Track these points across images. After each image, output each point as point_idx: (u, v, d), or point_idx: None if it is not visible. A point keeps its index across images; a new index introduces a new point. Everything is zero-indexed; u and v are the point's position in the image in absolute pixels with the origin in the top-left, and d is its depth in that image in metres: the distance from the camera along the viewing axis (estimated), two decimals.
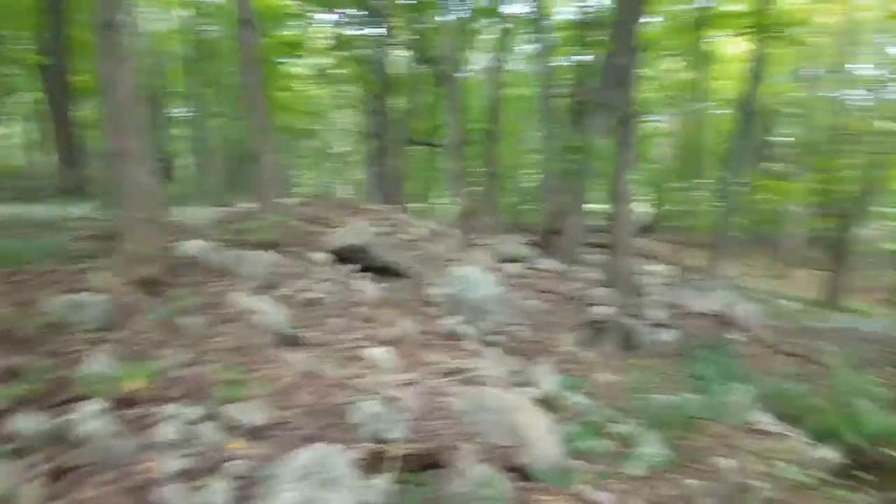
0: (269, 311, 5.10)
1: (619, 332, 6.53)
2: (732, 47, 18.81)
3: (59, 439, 2.72)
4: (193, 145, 18.93)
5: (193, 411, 3.23)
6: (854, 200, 17.73)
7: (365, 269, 7.25)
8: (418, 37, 17.31)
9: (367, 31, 18.48)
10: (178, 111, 19.81)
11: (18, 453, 2.56)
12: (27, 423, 2.72)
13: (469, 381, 4.74)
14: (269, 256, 6.36)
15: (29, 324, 3.55)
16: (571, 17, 17.19)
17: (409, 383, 4.53)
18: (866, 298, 18.84)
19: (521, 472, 3.36)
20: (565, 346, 6.34)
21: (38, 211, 6.47)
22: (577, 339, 6.67)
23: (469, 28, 17.73)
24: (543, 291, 8.63)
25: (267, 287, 5.82)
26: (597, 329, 6.83)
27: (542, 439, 3.55)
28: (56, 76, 10.06)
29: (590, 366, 5.87)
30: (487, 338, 6.10)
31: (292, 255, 6.92)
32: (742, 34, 14.67)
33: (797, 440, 4.53)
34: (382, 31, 17.76)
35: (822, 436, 4.62)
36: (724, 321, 8.09)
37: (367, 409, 3.72)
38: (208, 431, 3.09)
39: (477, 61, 21.37)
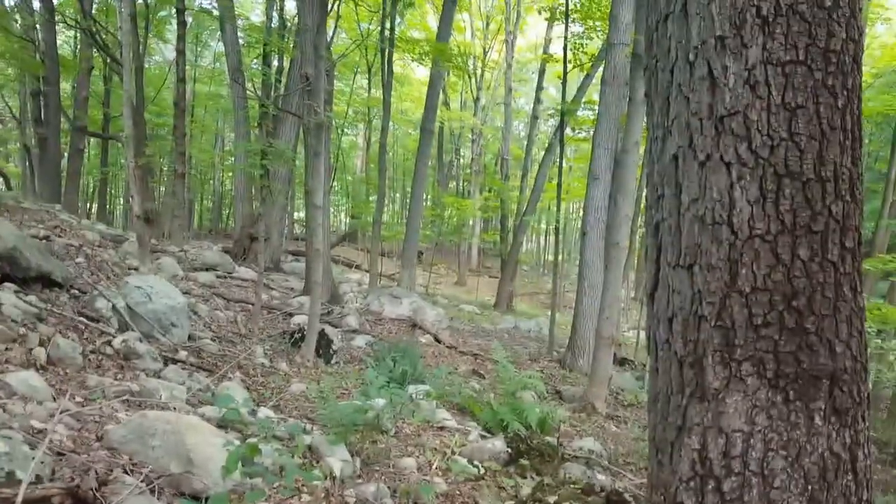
0: None
1: (315, 341, 6.49)
2: (420, 71, 20.50)
3: None
4: None
5: None
6: (517, 217, 20.63)
7: (12, 280, 6.04)
8: (91, 18, 15.24)
9: (30, 6, 15.71)
10: None
11: None
12: None
13: (138, 405, 4.22)
14: None
15: None
16: (259, 20, 17.02)
17: (65, 411, 3.84)
18: (530, 302, 22.11)
19: (193, 499, 3.05)
20: (258, 358, 6.08)
21: None
22: (272, 350, 6.45)
23: (150, 15, 16.25)
24: (237, 301, 8.21)
25: None
26: (293, 338, 6.71)
27: (218, 461, 3.26)
28: None
29: (283, 377, 5.70)
30: (167, 354, 5.55)
31: None
32: (421, 60, 15.94)
33: (474, 434, 4.99)
34: (48, 4, 15.22)
35: (494, 428, 5.16)
36: (413, 325, 8.64)
37: None
38: None
39: (161, 52, 19.72)
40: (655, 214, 1.63)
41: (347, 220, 22.72)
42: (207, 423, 3.64)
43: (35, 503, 2.44)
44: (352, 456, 3.88)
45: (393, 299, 9.45)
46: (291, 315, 7.71)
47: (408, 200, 16.22)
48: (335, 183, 20.30)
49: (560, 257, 14.34)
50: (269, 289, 9.42)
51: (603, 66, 9.69)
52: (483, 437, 4.95)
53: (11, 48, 16.09)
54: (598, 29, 11.98)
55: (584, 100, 14.48)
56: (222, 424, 3.89)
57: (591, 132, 10.68)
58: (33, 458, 2.67)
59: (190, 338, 6.17)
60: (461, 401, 5.79)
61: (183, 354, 5.70)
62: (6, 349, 4.95)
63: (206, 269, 9.84)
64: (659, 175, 1.61)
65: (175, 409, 4.10)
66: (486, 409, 5.45)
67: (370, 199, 19.57)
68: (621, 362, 9.60)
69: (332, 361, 6.54)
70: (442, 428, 5.01)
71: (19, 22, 16.26)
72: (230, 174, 21.95)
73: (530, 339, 11.11)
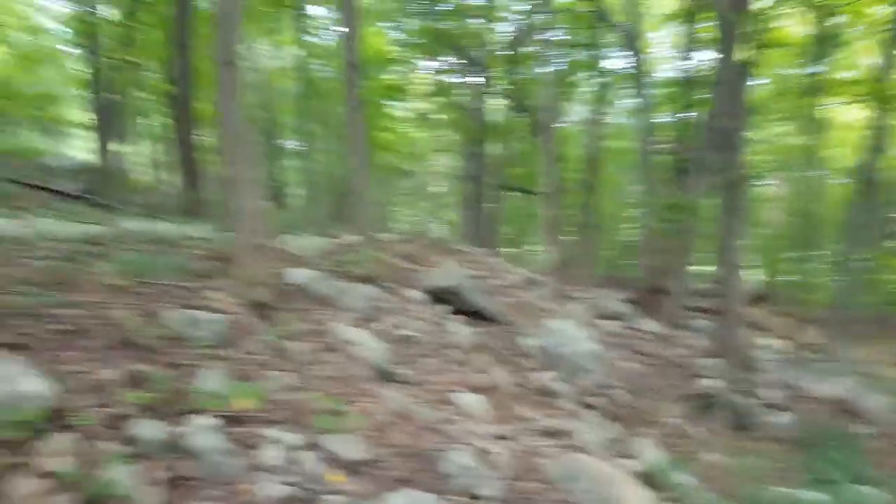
0: (367, 344, 5.13)
1: (729, 410, 6.09)
2: (849, 114, 17.87)
3: (175, 449, 2.77)
4: (302, 177, 19.80)
5: (295, 437, 3.24)
6: None
7: (457, 312, 7.21)
8: (515, 87, 17.58)
9: (466, 79, 19.03)
10: (289, 143, 20.91)
11: (137, 458, 2.62)
12: (147, 429, 2.79)
13: (564, 445, 4.54)
14: (367, 290, 6.45)
15: (151, 334, 3.70)
16: (673, 74, 17.03)
17: (502, 438, 4.39)
18: None
19: None
20: (669, 417, 5.97)
21: (162, 228, 6.86)
22: (681, 412, 6.28)
23: (567, 80, 17.83)
24: (644, 354, 8.26)
25: (365, 320, 5.88)
26: (704, 403, 6.41)
27: None
28: (181, 103, 10.85)
29: (696, 443, 5.49)
30: (584, 398, 5.86)
31: (389, 290, 6.99)
32: (857, 102, 13.89)
33: None
34: (481, 80, 18.21)
35: None
36: (847, 410, 7.40)
37: (459, 459, 3.61)
38: (308, 461, 3.08)
39: (575, 112, 21.42)
40: None
41: (760, 279, 20.85)
42: (629, 476, 3.74)
43: None
44: None
45: (818, 375, 8.27)
46: (698, 376, 7.39)
47: (837, 260, 14.08)
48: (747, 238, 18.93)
49: None
50: (674, 344, 9.22)
51: None
52: None
53: (454, 118, 19.68)
54: None
55: None
56: (645, 481, 3.91)
57: None
58: (491, 478, 3.08)
59: (600, 385, 6.42)
60: None
61: (594, 400, 5.95)
62: (460, 370, 5.91)
63: (611, 318, 10.15)
64: None
65: (595, 454, 4.30)
66: None
67: (790, 256, 17.70)
68: None
69: (747, 435, 6.03)
70: None
71: (456, 96, 19.77)
72: (634, 226, 22.51)
73: None
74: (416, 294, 7.12)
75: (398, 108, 21.97)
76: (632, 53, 14.82)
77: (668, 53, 18.97)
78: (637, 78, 14.81)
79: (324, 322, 5.33)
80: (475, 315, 7.35)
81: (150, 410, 3.00)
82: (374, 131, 16.70)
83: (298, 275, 6.04)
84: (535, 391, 5.68)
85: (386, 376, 4.86)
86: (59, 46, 20.49)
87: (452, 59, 18.22)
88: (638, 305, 11.47)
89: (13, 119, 22.04)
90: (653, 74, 16.61)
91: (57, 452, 2.47)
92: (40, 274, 4.26)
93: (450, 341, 6.32)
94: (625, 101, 20.07)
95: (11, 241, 5.07)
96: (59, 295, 3.93)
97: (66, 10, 18.20)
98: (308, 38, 18.82)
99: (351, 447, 3.35)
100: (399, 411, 4.29)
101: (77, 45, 17.42)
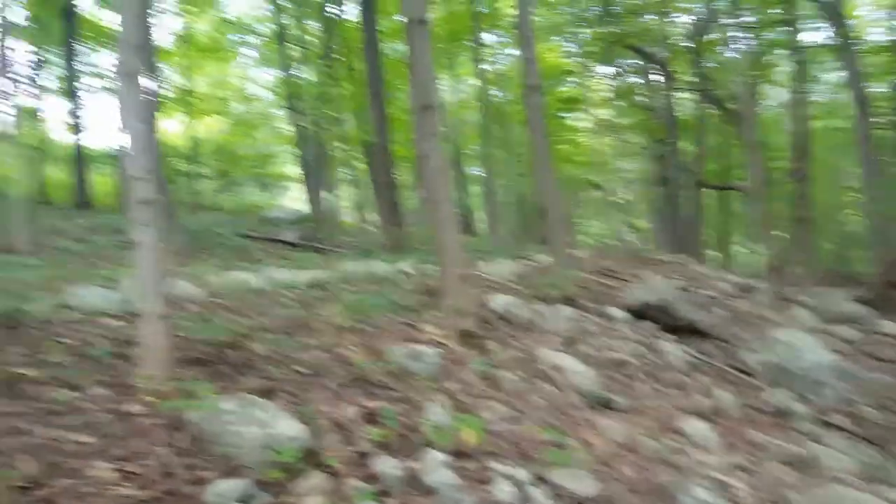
0: (575, 370, 5.05)
1: None
2: None
3: (413, 485, 2.94)
4: (485, 202, 20.35)
5: (521, 472, 3.27)
6: None
7: (666, 329, 6.84)
8: (704, 78, 16.44)
9: (648, 78, 18.22)
10: (472, 170, 21.66)
11: (382, 495, 2.82)
12: (386, 465, 2.99)
13: (811, 474, 4.07)
14: (568, 312, 6.37)
15: (380, 370, 3.99)
16: (885, 39, 14.88)
17: (738, 468, 4.05)
18: None
19: None
20: None
21: (374, 266, 7.44)
22: None
23: (761, 62, 16.28)
24: (888, 361, 7.20)
25: (569, 343, 5.81)
26: None
27: None
28: (379, 148, 11.73)
29: None
30: (824, 418, 5.23)
31: (589, 310, 6.85)
32: None
33: None
34: (664, 76, 17.32)
35: None
36: None
37: (698, 494, 3.39)
38: (540, 497, 3.08)
39: (773, 95, 19.47)
40: None
41: None
42: None
43: None
44: None
45: None
46: None
47: None
48: None
49: None
50: None
51: None
52: None
53: (639, 120, 18.91)
54: None
55: None
56: None
57: None
58: None
59: (842, 401, 5.69)
60: None
61: (839, 419, 5.29)
62: (671, 395, 5.58)
63: (843, 322, 9.00)
64: None
65: (851, 484, 3.81)
66: None
67: None
68: None
69: None
70: None
71: (638, 97, 18.96)
72: (857, 213, 19.88)
73: None
74: (618, 312, 6.90)
75: (577, 119, 21.80)
76: (834, 22, 13.24)
77: (878, 16, 16.73)
78: (843, 48, 13.18)
79: (529, 348, 5.35)
80: (687, 331, 6.93)
81: (386, 447, 3.21)
82: (555, 144, 16.71)
83: (498, 301, 6.16)
84: (767, 413, 5.19)
85: (601, 403, 4.75)
86: (270, 110, 23.28)
87: (631, 61, 17.63)
88: (872, 304, 10.04)
89: (236, 179, 25.40)
90: (861, 41, 14.68)
91: (312, 492, 2.73)
92: (279, 321, 4.82)
93: (663, 362, 6.03)
94: (831, 75, 17.97)
95: (253, 292, 5.81)
96: (296, 339, 4.41)
97: (272, 77, 20.73)
98: (485, 66, 19.44)
99: (580, 482, 3.30)
100: (623, 442, 4.15)
101: (283, 106, 19.73)
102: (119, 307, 4.68)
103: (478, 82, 19.44)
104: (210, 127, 24.00)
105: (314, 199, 16.09)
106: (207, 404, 2.85)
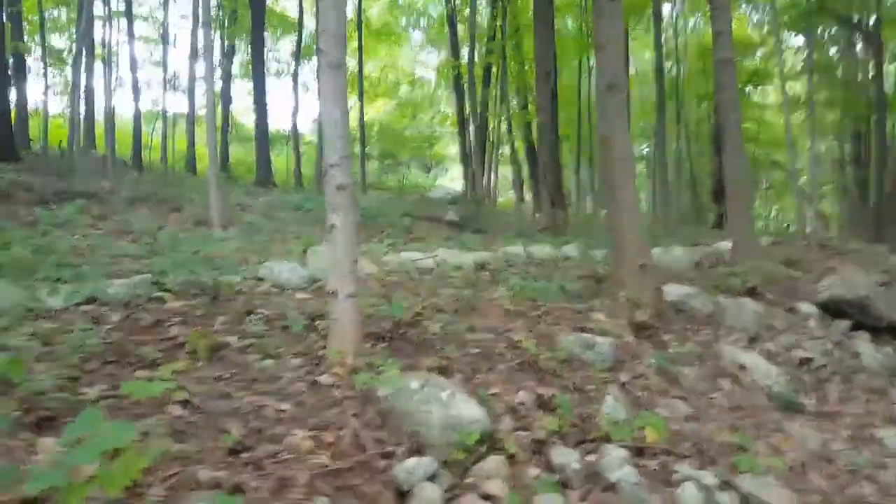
0: (761, 369, 4.67)
1: None
2: None
3: (592, 479, 2.85)
4: (657, 183, 19.35)
5: (706, 475, 3.06)
6: None
7: (860, 327, 6.12)
8: None
9: (852, 49, 16.23)
10: (641, 149, 20.77)
11: (561, 485, 2.76)
12: (563, 456, 2.93)
13: None
14: (751, 305, 5.89)
15: (551, 357, 3.93)
16: None
17: None
18: None
19: None
20: None
21: (537, 250, 7.35)
22: None
23: None
24: None
25: (753, 340, 5.37)
26: None
27: None
28: (546, 129, 11.51)
29: None
30: None
31: (773, 304, 6.29)
32: None
33: None
34: (869, 46, 15.30)
35: None
36: None
37: None
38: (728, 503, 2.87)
39: None
40: None
41: None
42: None
43: None
44: None
45: None
46: None
47: None
48: None
49: None
50: None
51: None
52: None
53: (836, 95, 16.92)
54: None
55: None
56: None
57: None
58: None
59: None
60: None
61: None
62: (867, 401, 4.98)
63: None
64: None
65: None
66: None
67: None
68: None
69: None
70: None
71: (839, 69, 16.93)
72: None
73: None
74: (808, 308, 6.28)
75: (764, 94, 20.12)
76: None
77: None
78: None
79: (707, 344, 5.03)
80: (889, 332, 6.16)
81: (562, 436, 3.15)
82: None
83: (674, 292, 5.82)
84: None
85: (789, 407, 4.34)
86: (434, 92, 23.92)
87: (834, 29, 15.83)
88: None
89: (401, 160, 26.47)
90: None
91: (492, 475, 2.73)
92: (449, 301, 4.91)
93: (858, 364, 5.41)
94: None
95: (423, 271, 5.98)
96: (466, 320, 4.46)
97: (439, 58, 21.24)
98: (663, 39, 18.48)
99: (772, 492, 3.02)
100: (815, 450, 3.77)
101: (448, 87, 20.18)
102: (306, 282, 5.04)
103: (652, 55, 18.50)
104: (377, 109, 25.12)
105: (473, 180, 16.28)
106: (395, 381, 2.95)
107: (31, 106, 18.86)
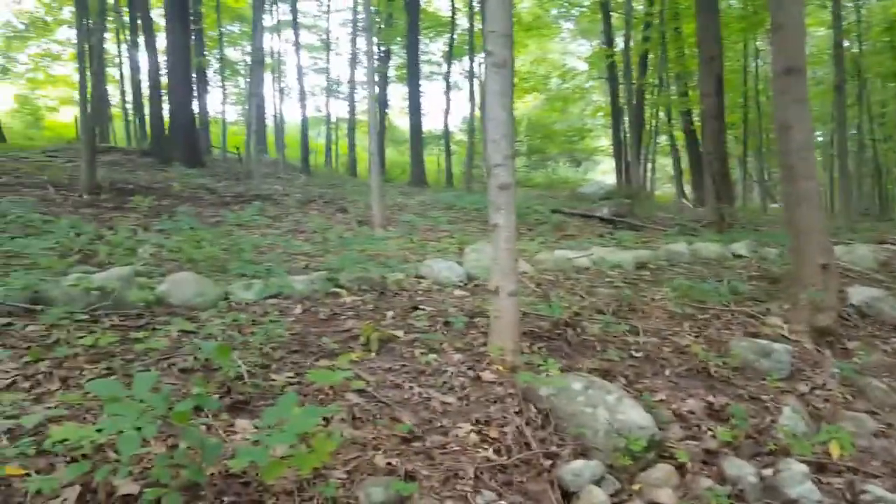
0: None
1: None
2: None
3: (769, 494, 2.68)
4: (837, 172, 17.43)
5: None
6: None
7: None
8: None
9: None
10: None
11: (734, 499, 2.62)
12: (735, 468, 2.78)
13: None
14: None
15: (721, 363, 3.72)
16: None
17: None
18: None
19: None
20: None
21: (701, 247, 6.95)
22: None
23: None
24: None
25: None
26: None
27: None
28: (711, 117, 10.79)
29: None
30: None
31: None
32: None
33: None
34: None
35: None
36: None
37: None
38: None
39: None
40: None
41: None
42: None
43: None
44: None
45: None
46: None
47: None
48: None
49: None
50: None
51: None
52: None
53: None
54: None
55: None
56: None
57: None
58: None
59: None
60: None
61: None
62: None
63: None
64: None
65: None
66: None
67: None
68: None
69: None
70: None
71: None
72: None
73: None
74: None
75: None
76: None
77: None
78: None
79: None
80: None
81: (735, 448, 2.98)
82: None
83: (858, 294, 5.26)
84: None
85: None
86: (585, 83, 23.38)
87: None
88: None
89: (549, 155, 26.20)
90: None
91: (661, 484, 2.65)
92: (607, 301, 4.80)
93: None
94: None
95: (578, 270, 5.90)
96: (626, 321, 4.34)
97: (590, 48, 20.73)
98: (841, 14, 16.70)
99: None
100: None
101: (600, 77, 19.65)
102: (463, 279, 5.18)
103: (828, 31, 16.73)
104: (525, 104, 25.07)
105: (627, 173, 15.73)
106: (557, 381, 2.96)
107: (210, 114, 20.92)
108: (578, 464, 2.51)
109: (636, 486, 2.62)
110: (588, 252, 6.36)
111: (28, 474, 1.98)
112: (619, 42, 17.25)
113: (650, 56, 17.74)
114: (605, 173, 25.00)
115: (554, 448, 2.70)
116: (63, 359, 2.94)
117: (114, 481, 1.97)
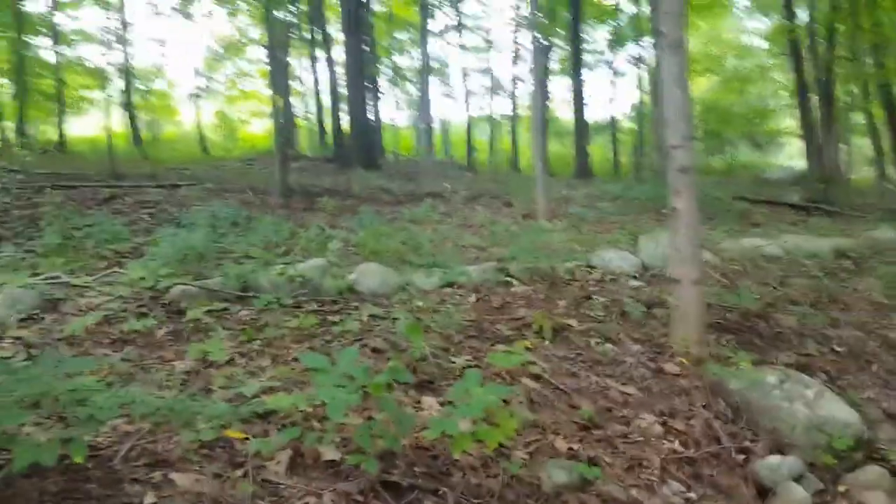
0: None
1: None
2: None
3: None
4: None
5: None
6: None
7: None
8: None
9: None
10: None
11: None
12: None
13: None
14: None
15: None
16: None
17: None
18: None
19: None
20: None
21: None
22: None
23: None
24: None
25: None
26: None
27: None
28: None
29: None
30: None
31: None
32: None
33: None
34: None
35: None
36: None
37: None
38: None
39: None
40: None
41: None
42: None
43: None
44: None
45: None
46: None
47: None
48: None
49: None
50: None
51: None
52: None
53: None
54: None
55: None
56: None
57: None
58: None
59: None
60: None
61: None
62: None
63: None
64: None
65: None
66: None
67: None
68: None
69: None
70: None
71: None
72: None
73: None
74: None
75: None
76: None
77: None
78: None
79: None
80: None
81: None
82: None
83: None
84: None
85: None
86: (765, 61, 21.42)
87: None
88: None
89: (728, 139, 24.32)
90: None
91: (871, 487, 2.40)
92: (803, 292, 4.40)
93: None
94: None
95: (769, 259, 5.46)
96: (826, 313, 3.95)
97: (769, 23, 18.96)
98: None
99: None
100: None
101: (781, 54, 17.86)
102: (638, 269, 5.02)
103: None
104: (699, 87, 23.54)
105: (818, 156, 14.19)
106: (748, 374, 2.78)
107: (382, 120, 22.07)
108: (775, 459, 2.35)
109: (842, 488, 2.40)
110: (777, 240, 5.86)
111: (247, 438, 2.24)
112: (802, 15, 15.56)
113: (840, 28, 15.72)
114: (791, 157, 22.70)
115: (747, 443, 2.55)
116: (272, 339, 3.29)
117: (319, 448, 2.18)
